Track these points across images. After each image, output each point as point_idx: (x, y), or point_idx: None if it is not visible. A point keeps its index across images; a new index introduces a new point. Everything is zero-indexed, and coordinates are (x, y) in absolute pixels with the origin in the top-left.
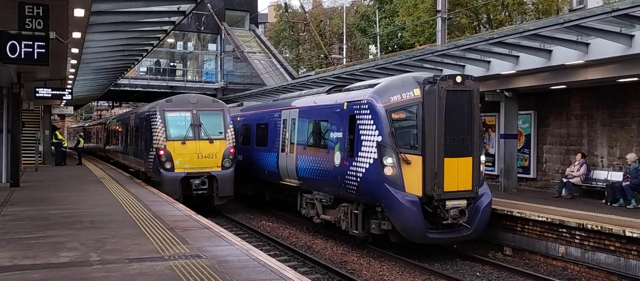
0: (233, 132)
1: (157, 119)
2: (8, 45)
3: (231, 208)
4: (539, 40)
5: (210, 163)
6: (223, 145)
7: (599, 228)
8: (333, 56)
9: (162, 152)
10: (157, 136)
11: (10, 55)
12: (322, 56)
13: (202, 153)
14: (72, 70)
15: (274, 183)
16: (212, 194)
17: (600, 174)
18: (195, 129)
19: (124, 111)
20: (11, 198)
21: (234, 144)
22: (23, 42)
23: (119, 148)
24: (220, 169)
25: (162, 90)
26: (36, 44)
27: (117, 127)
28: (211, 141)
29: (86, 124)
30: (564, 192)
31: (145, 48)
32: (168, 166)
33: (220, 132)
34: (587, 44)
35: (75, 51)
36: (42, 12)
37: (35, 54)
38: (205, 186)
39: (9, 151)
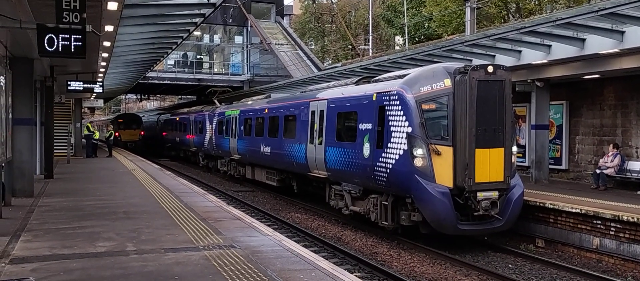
0: (142, 126)
1: (116, 122)
2: (46, 38)
3: (259, 200)
4: (572, 29)
5: (134, 137)
6: (138, 132)
7: (636, 219)
8: (361, 46)
9: (117, 134)
10: (116, 128)
11: (48, 48)
12: (349, 47)
13: (131, 134)
14: (104, 63)
15: (302, 175)
16: (135, 147)
17: (635, 165)
18: (129, 125)
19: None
20: (46, 190)
21: (143, 130)
22: (60, 35)
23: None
24: (137, 139)
25: (189, 83)
26: (73, 37)
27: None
28: (134, 129)
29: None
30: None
31: (175, 41)
32: (120, 138)
33: (137, 127)
34: (622, 32)
35: (107, 44)
36: (79, 5)
37: (72, 47)
38: (132, 145)
39: (43, 144)
